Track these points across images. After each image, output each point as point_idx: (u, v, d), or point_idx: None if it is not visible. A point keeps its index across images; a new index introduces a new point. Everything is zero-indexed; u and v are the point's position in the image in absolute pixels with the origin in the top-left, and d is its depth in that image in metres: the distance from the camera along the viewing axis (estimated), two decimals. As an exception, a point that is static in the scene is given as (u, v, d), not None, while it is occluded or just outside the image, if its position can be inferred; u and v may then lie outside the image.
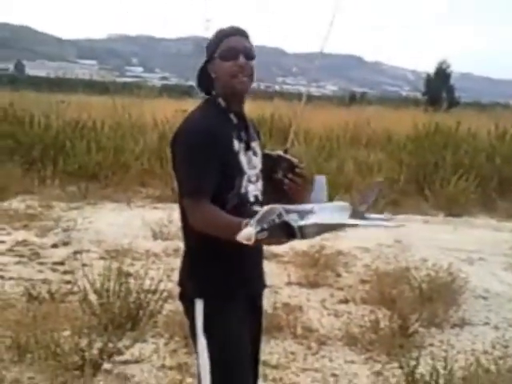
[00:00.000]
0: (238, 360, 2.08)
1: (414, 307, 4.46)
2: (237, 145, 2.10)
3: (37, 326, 3.68)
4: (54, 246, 6.34)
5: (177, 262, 2.41)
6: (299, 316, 4.51)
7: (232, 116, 2.13)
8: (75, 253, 6.00)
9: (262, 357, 2.69)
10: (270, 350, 3.95)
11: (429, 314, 4.50)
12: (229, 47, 2.08)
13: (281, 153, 2.25)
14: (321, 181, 2.34)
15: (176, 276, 2.22)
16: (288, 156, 2.24)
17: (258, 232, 1.72)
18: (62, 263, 5.71)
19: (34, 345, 3.52)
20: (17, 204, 8.24)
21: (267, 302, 3.61)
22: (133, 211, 8.30)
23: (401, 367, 3.37)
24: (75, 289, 4.41)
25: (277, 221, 1.74)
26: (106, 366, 3.55)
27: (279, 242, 1.83)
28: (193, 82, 2.33)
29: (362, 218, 2.07)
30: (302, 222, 1.80)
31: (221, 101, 2.13)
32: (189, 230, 2.08)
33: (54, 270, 5.52)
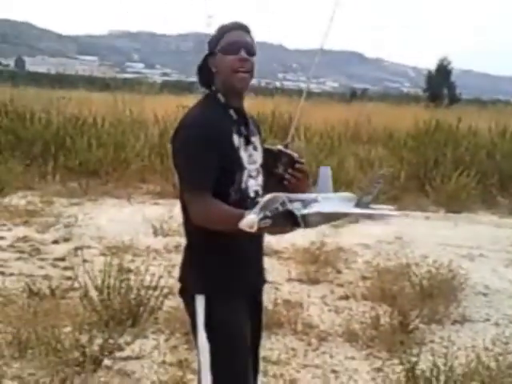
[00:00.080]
0: (239, 355, 2.07)
1: (414, 303, 4.46)
2: (237, 140, 2.10)
3: (37, 322, 3.68)
4: (55, 242, 6.35)
5: (177, 258, 2.41)
6: (300, 312, 4.51)
7: (232, 112, 2.12)
8: (76, 249, 6.00)
9: (263, 353, 2.70)
10: (271, 345, 3.95)
11: (429, 310, 4.51)
12: (230, 41, 2.07)
13: (281, 147, 2.24)
14: (326, 172, 2.33)
15: (177, 272, 2.22)
16: (288, 151, 2.23)
17: (261, 219, 1.69)
18: (62, 259, 5.72)
19: (34, 341, 3.53)
20: (17, 200, 8.24)
21: (268, 298, 3.62)
22: (133, 207, 8.31)
23: (401, 363, 3.36)
24: (76, 285, 4.41)
25: (280, 209, 1.72)
26: (107, 362, 3.55)
27: (282, 231, 1.83)
28: (194, 79, 2.32)
29: (367, 208, 2.07)
30: (306, 211, 1.79)
31: (220, 96, 2.12)
32: (190, 226, 2.08)
33: (55, 266, 5.52)
